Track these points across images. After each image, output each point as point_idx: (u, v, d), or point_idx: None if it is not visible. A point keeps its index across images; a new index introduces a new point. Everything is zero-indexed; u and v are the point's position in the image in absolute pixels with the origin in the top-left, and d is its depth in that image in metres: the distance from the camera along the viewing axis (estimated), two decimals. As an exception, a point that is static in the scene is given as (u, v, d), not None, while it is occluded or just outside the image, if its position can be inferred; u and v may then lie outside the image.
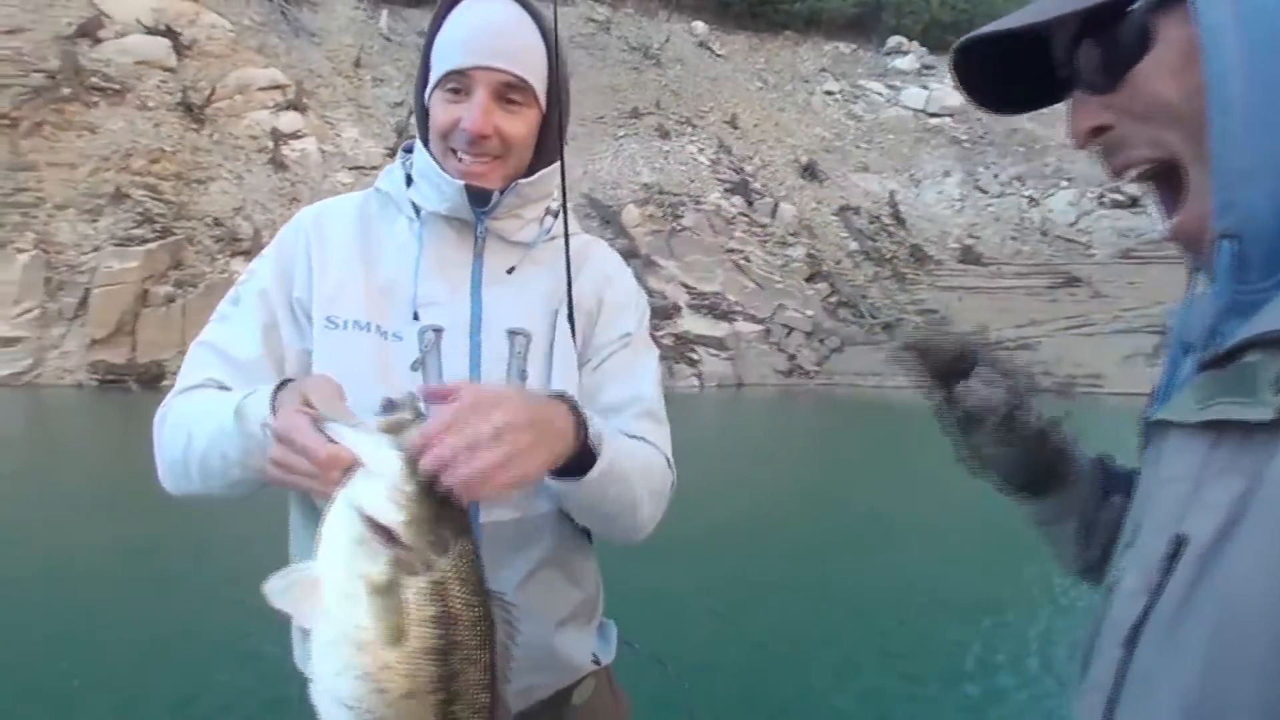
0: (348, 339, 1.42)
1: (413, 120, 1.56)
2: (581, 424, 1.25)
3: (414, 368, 1.42)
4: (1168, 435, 0.81)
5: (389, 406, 1.06)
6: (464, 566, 1.00)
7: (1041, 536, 1.21)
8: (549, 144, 1.53)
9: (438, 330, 1.44)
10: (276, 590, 0.97)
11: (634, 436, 1.48)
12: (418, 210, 1.51)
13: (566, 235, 1.55)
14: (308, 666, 0.98)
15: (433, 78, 1.46)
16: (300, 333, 1.45)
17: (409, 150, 1.57)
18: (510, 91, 1.43)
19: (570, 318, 1.52)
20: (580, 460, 1.25)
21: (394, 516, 0.96)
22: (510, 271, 1.51)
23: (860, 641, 5.72)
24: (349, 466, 1.00)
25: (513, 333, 1.48)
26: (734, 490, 10.53)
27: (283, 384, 1.23)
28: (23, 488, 10.42)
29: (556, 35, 1.49)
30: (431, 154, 1.48)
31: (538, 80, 1.46)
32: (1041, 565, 7.53)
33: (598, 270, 1.61)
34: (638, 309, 1.64)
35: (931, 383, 1.15)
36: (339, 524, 0.98)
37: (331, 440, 1.02)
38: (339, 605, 0.95)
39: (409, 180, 1.53)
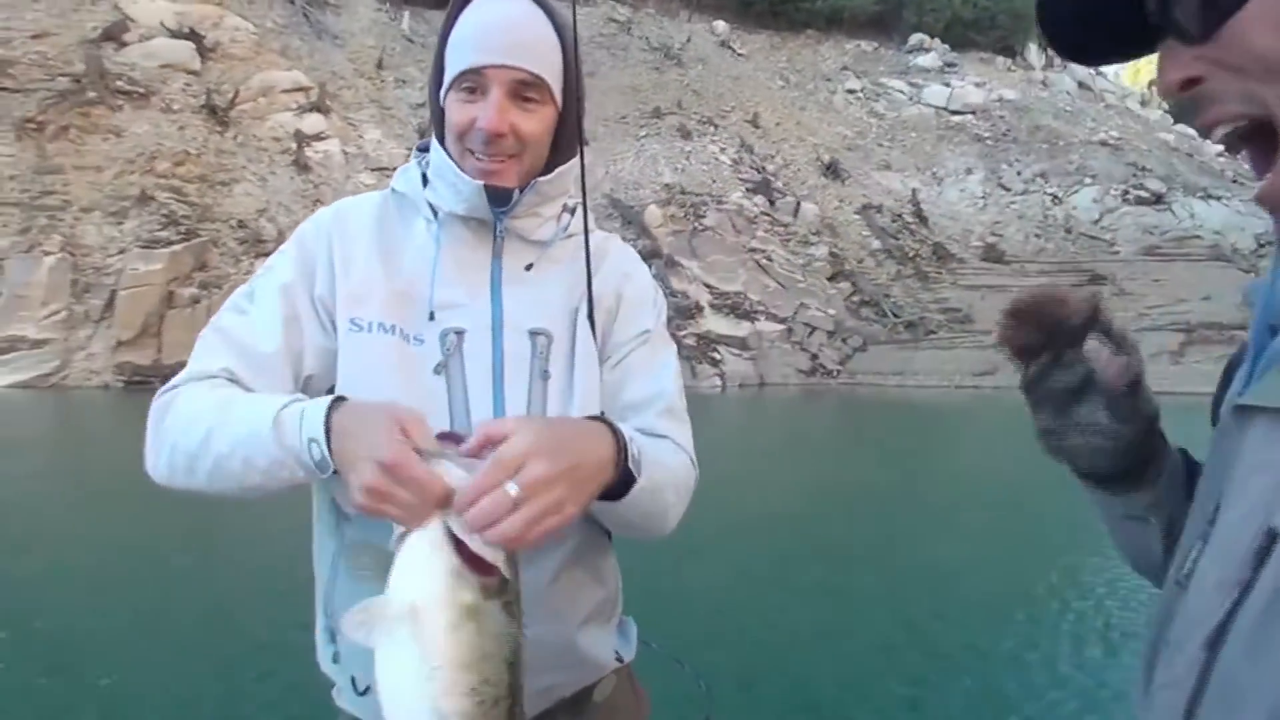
0: (372, 341, 1.41)
1: None
2: (622, 447, 1.25)
3: (437, 371, 1.41)
4: (1253, 420, 0.77)
5: (445, 438, 1.12)
6: (519, 585, 1.08)
7: (1120, 534, 1.09)
8: (565, 141, 1.51)
9: (459, 333, 1.43)
10: (358, 624, 1.03)
11: (658, 435, 1.48)
12: (435, 211, 1.49)
13: (586, 232, 1.54)
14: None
15: (447, 77, 1.44)
16: (322, 330, 1.43)
17: (423, 150, 1.55)
18: (525, 89, 1.41)
19: (590, 315, 1.51)
20: (618, 480, 1.26)
21: (496, 553, 1.04)
22: (529, 269, 1.50)
23: (878, 640, 5.69)
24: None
25: (534, 333, 1.47)
26: (755, 489, 10.52)
27: (335, 402, 1.21)
28: (51, 487, 10.53)
29: (576, 30, 1.47)
30: (449, 154, 1.47)
31: (553, 77, 1.44)
32: (1069, 559, 7.50)
33: (616, 267, 1.59)
34: (656, 305, 1.62)
35: (1042, 345, 1.01)
36: (435, 556, 1.03)
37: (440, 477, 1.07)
38: (443, 631, 1.01)
39: (425, 180, 1.52)
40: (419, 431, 1.10)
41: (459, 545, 1.03)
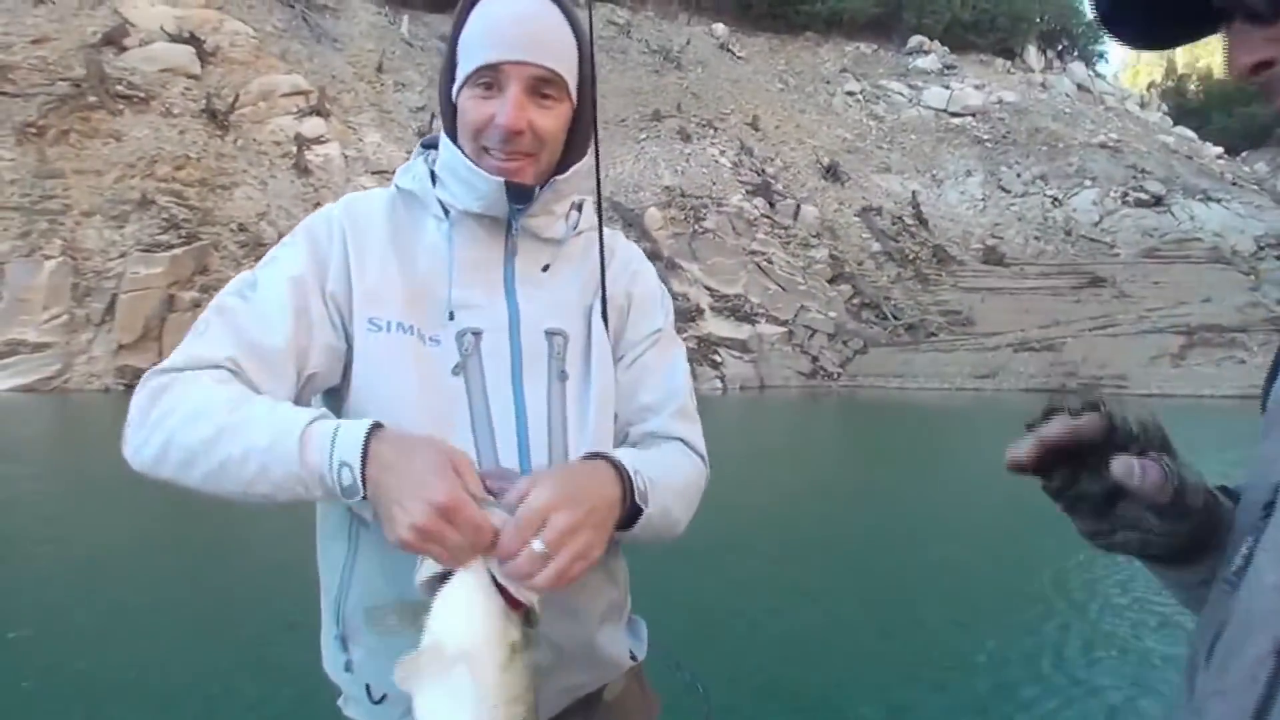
0: (391, 342, 1.37)
1: (434, 124, 1.52)
2: (627, 482, 1.26)
3: (455, 372, 1.38)
4: None
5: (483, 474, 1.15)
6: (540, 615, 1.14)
7: (1193, 596, 0.95)
8: (579, 139, 1.49)
9: (476, 333, 1.41)
10: (407, 675, 1.05)
11: (672, 437, 1.49)
12: (445, 210, 1.46)
13: (601, 231, 1.54)
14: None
15: (460, 74, 1.41)
16: (331, 328, 1.38)
17: (427, 146, 1.53)
18: (543, 86, 1.38)
19: (604, 314, 1.50)
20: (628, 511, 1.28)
21: (530, 594, 1.09)
22: (546, 269, 1.49)
23: (882, 642, 5.69)
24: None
25: (550, 333, 1.45)
26: (755, 492, 10.51)
27: (374, 428, 1.16)
28: (52, 489, 10.53)
29: (592, 26, 1.46)
30: (463, 151, 1.43)
31: (569, 73, 1.42)
32: (1067, 561, 7.49)
33: (625, 264, 1.59)
34: (664, 303, 1.62)
35: (1066, 463, 0.87)
36: (485, 599, 1.07)
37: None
38: (496, 670, 1.05)
39: (433, 178, 1.49)
40: (469, 472, 1.10)
41: (500, 587, 1.07)
